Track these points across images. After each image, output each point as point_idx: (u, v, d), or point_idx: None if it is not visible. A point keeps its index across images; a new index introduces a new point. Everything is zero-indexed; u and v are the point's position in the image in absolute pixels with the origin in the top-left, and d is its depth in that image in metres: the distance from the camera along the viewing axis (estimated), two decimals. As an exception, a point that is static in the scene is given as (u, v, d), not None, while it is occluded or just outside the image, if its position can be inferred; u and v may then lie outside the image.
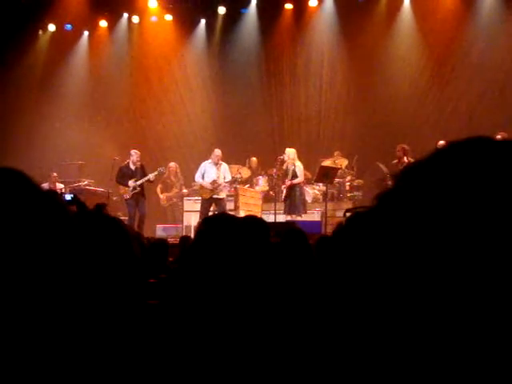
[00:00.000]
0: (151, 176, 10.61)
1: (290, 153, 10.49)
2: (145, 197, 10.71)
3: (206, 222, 1.98)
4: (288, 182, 10.36)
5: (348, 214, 1.33)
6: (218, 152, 10.78)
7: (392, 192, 0.67)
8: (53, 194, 0.82)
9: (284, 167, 10.56)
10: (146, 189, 10.90)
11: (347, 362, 0.99)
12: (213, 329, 1.54)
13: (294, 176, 10.33)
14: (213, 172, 10.62)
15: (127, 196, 10.56)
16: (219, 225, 1.88)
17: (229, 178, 10.75)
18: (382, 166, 11.39)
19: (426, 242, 0.61)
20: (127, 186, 10.52)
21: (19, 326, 0.75)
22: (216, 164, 10.69)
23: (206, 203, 10.53)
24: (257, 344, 1.50)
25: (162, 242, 5.09)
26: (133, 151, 10.76)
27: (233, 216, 2.33)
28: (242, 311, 1.59)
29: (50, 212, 0.78)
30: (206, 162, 10.82)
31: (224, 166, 10.79)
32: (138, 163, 10.68)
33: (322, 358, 1.19)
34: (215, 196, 10.53)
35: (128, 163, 10.71)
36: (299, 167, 10.39)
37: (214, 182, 10.53)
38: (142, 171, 10.65)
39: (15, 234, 0.74)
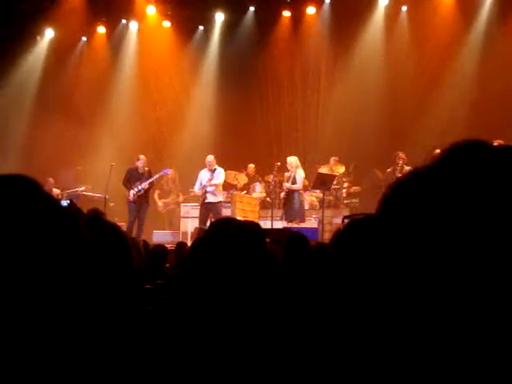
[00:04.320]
0: (143, 186, 10.58)
1: (292, 161, 10.49)
2: (148, 203, 10.74)
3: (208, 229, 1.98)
4: (286, 186, 10.41)
5: (346, 221, 1.33)
6: (208, 158, 10.75)
7: (397, 198, 0.67)
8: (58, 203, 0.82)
9: (288, 175, 10.56)
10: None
11: (346, 364, 0.99)
12: (212, 334, 1.54)
13: (294, 183, 10.38)
14: (207, 177, 10.61)
15: (131, 198, 10.54)
16: (216, 231, 1.88)
17: (219, 180, 10.62)
18: (378, 172, 11.41)
19: (432, 246, 0.62)
20: (130, 190, 10.56)
21: (17, 330, 0.75)
22: (211, 170, 10.68)
23: (202, 209, 10.52)
24: (255, 347, 1.50)
25: (161, 248, 5.08)
26: (141, 156, 10.88)
27: (229, 220, 2.33)
28: (239, 317, 1.59)
29: (60, 222, 0.78)
30: (203, 170, 10.80)
31: (218, 170, 10.74)
32: (146, 168, 10.78)
33: (322, 361, 1.20)
34: (206, 200, 10.50)
35: (137, 166, 10.79)
36: (299, 175, 10.40)
37: (203, 186, 10.53)
38: (148, 176, 10.73)
39: (22, 242, 0.75)
